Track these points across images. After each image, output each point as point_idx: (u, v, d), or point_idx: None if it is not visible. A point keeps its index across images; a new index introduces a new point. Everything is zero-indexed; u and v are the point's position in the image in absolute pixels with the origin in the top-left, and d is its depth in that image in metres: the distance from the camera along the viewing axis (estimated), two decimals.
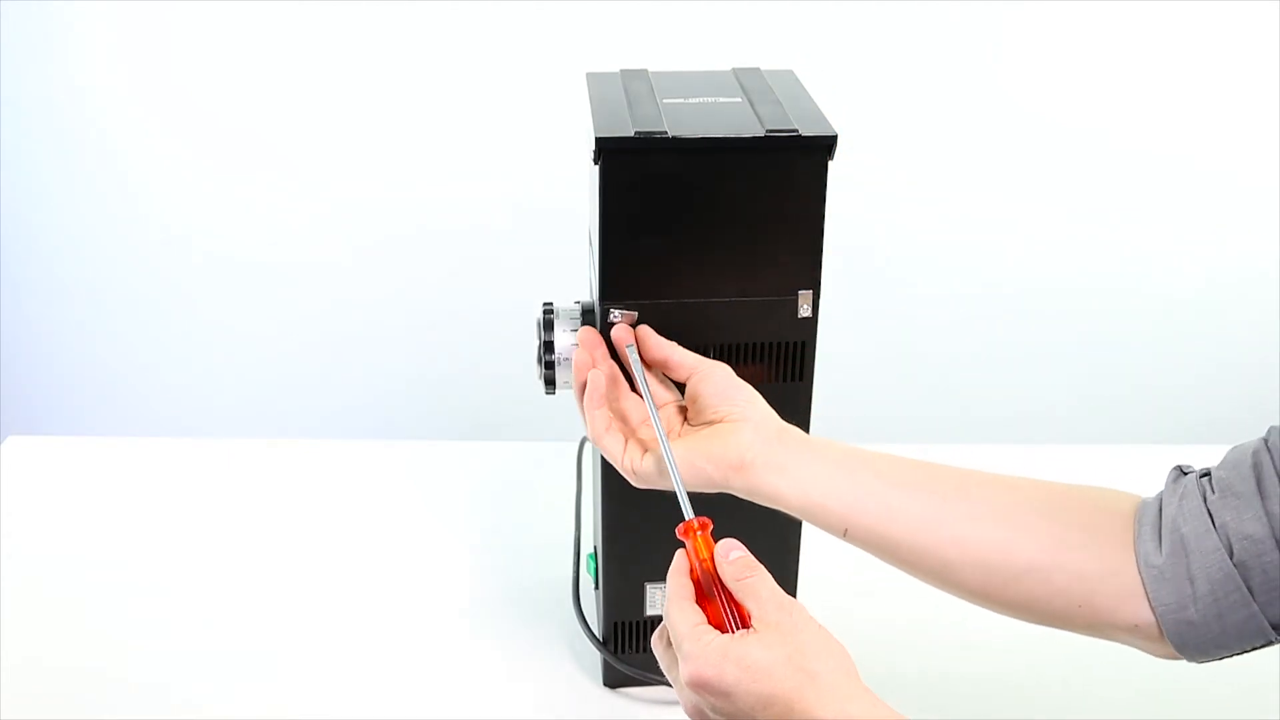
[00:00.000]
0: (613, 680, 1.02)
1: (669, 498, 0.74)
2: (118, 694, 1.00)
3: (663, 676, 0.71)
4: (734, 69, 0.97)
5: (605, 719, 1.00)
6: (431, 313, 2.05)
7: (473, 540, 1.22)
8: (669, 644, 0.68)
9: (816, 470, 0.77)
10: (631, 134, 0.81)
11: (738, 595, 0.67)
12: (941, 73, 1.88)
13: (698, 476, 0.77)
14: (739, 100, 0.89)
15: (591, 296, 0.92)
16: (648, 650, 0.86)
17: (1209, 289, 2.01)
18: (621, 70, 0.97)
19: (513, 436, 1.42)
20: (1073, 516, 0.75)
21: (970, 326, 2.05)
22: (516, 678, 1.04)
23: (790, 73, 0.96)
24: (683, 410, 0.83)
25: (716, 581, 0.68)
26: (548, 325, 0.88)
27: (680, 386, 0.83)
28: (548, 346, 0.88)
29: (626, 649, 1.00)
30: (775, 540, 0.95)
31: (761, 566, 0.67)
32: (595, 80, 0.94)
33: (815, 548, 0.93)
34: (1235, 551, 0.69)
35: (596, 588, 1.04)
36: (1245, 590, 0.68)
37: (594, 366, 0.82)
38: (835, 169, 0.83)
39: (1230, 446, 0.73)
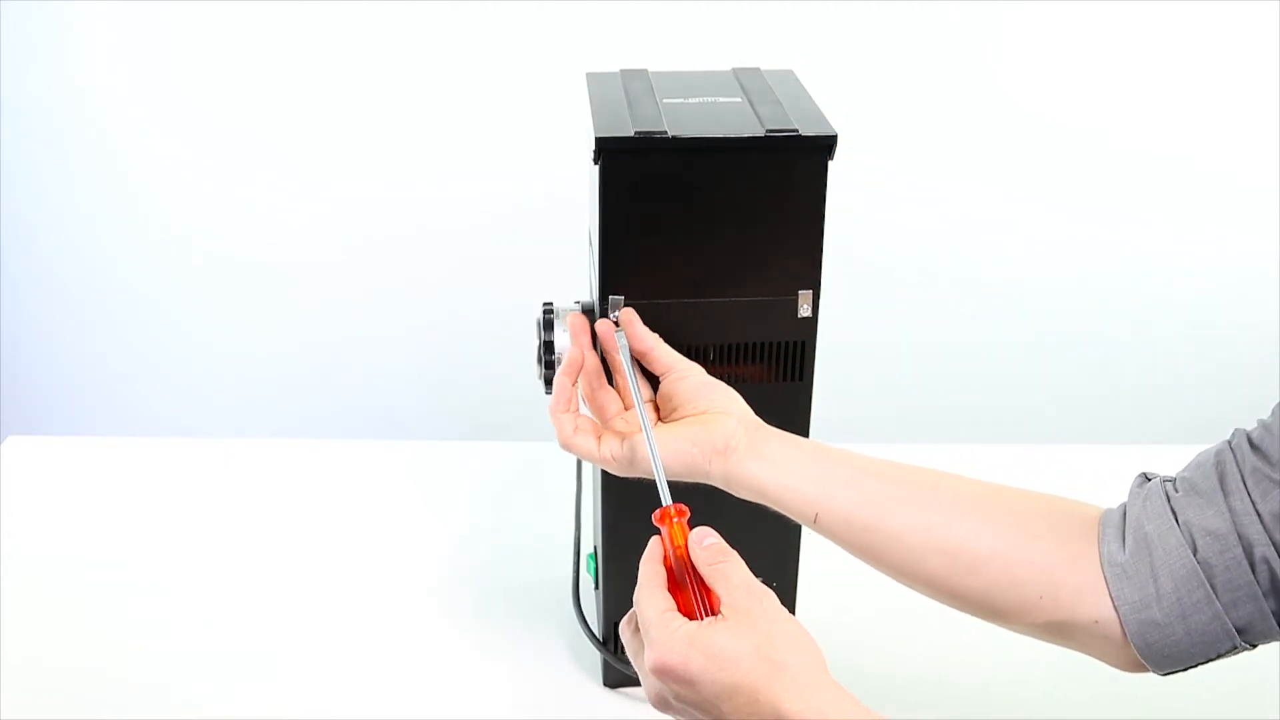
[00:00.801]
0: (613, 680, 1.02)
1: None
2: (118, 694, 1.00)
3: None
4: (734, 69, 0.97)
5: (605, 719, 1.00)
6: (432, 313, 2.05)
7: (473, 540, 1.22)
8: (636, 630, 0.68)
9: (794, 456, 0.78)
10: (631, 134, 0.81)
11: (708, 580, 0.66)
12: (941, 73, 1.88)
13: (680, 460, 0.78)
14: (739, 100, 0.89)
15: (591, 296, 0.92)
16: None
17: (1210, 289, 2.01)
18: (621, 70, 0.97)
19: (513, 436, 1.42)
20: (1038, 512, 0.76)
21: (970, 326, 2.05)
22: (516, 678, 1.04)
23: (790, 73, 0.96)
24: (654, 407, 0.84)
25: (689, 568, 0.68)
26: (548, 325, 0.88)
27: (653, 384, 0.84)
28: (548, 346, 0.88)
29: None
30: (775, 540, 0.95)
31: (735, 553, 0.67)
32: (595, 80, 0.95)
33: (815, 548, 0.93)
34: (1199, 548, 0.69)
35: (596, 588, 1.05)
36: (1208, 588, 0.68)
37: (581, 362, 0.83)
38: (835, 169, 0.83)
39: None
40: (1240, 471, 0.69)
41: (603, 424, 0.84)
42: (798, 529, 0.95)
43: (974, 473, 0.79)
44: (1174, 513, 0.71)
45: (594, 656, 1.03)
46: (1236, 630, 0.69)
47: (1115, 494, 0.78)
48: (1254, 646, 0.70)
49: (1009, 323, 2.04)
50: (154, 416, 2.15)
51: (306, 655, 1.06)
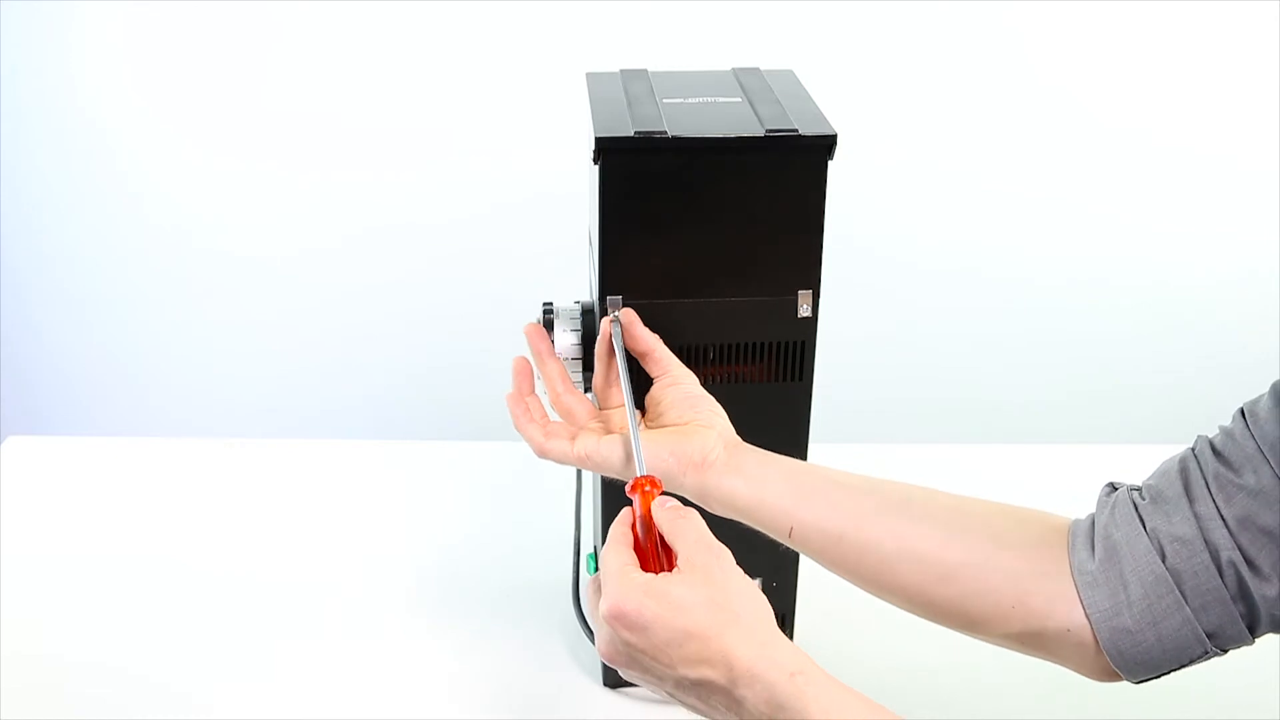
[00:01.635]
0: (613, 680, 1.02)
1: None
2: (118, 693, 1.00)
3: None
4: (734, 69, 0.97)
5: (605, 719, 1.00)
6: (431, 313, 2.05)
7: (473, 540, 1.22)
8: (599, 589, 0.68)
9: (769, 472, 0.79)
10: (631, 134, 0.81)
11: (668, 537, 0.68)
12: (941, 73, 1.88)
13: (655, 469, 0.78)
14: (739, 100, 0.89)
15: (591, 296, 0.92)
16: None
17: (1210, 289, 2.01)
18: (621, 70, 0.97)
19: (513, 436, 1.42)
20: (1008, 522, 0.77)
21: (971, 326, 2.05)
22: (517, 678, 1.04)
23: (790, 73, 0.96)
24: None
25: (650, 530, 0.69)
26: (548, 325, 0.88)
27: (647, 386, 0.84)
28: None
29: None
30: (775, 540, 0.95)
31: (695, 512, 0.69)
32: (595, 80, 0.95)
33: None
34: (1167, 555, 0.69)
35: None
36: (1178, 594, 0.69)
37: (530, 372, 0.84)
38: (835, 169, 0.83)
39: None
40: (1204, 477, 0.70)
41: (575, 428, 0.83)
42: None
43: (973, 472, 0.80)
44: (1141, 520, 0.71)
45: (594, 656, 1.03)
46: (1207, 635, 0.69)
47: None
48: (1224, 652, 0.70)
49: (1009, 322, 2.04)
50: (153, 416, 2.15)
51: (307, 655, 1.06)
